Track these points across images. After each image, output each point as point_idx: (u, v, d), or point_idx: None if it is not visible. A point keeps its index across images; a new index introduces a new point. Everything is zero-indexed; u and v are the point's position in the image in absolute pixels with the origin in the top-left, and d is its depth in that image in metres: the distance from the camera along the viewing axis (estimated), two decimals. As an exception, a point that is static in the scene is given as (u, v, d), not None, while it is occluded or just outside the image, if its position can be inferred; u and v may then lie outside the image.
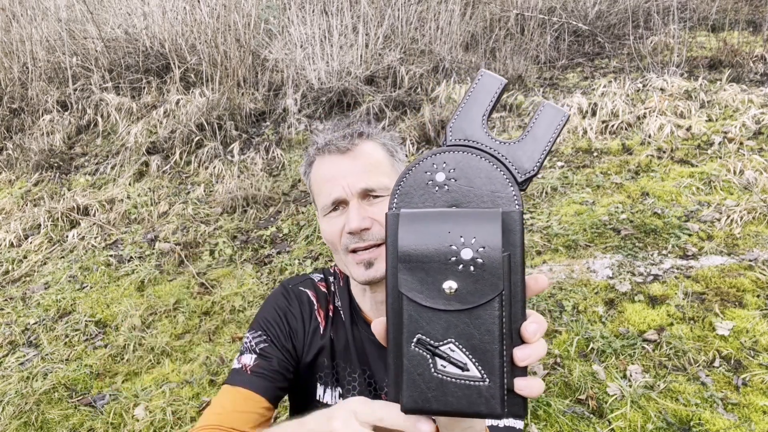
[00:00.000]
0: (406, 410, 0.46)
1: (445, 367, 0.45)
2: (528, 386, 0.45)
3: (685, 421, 1.92)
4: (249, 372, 0.96)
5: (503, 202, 0.49)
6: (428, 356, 0.45)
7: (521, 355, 0.45)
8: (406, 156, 1.04)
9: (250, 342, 1.01)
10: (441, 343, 0.45)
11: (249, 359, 0.98)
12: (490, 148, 0.51)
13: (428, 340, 0.45)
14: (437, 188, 0.50)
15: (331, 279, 1.11)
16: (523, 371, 0.46)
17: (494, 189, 0.49)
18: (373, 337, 0.83)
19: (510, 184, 0.49)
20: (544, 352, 0.47)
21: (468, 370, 0.44)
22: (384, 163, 0.95)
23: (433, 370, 0.45)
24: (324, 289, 1.10)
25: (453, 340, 0.45)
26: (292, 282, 1.11)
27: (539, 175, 3.84)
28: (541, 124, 0.50)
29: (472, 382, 0.44)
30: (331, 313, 1.07)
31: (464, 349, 0.45)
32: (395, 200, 0.51)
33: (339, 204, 0.93)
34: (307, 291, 1.08)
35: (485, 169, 0.50)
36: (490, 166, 0.50)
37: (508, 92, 4.88)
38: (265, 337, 1.02)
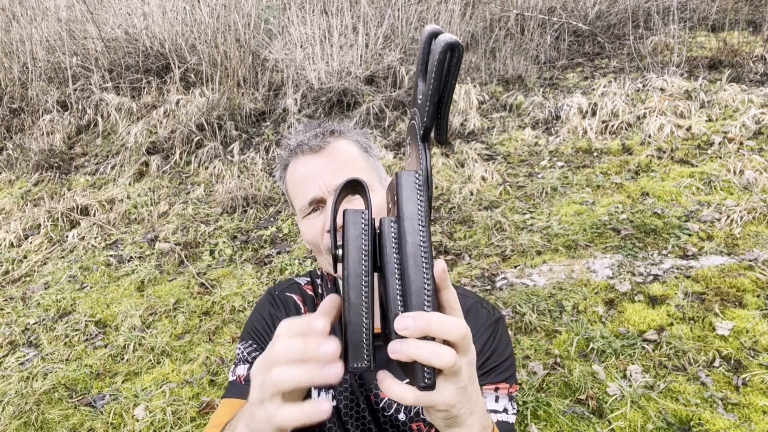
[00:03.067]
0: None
1: None
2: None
3: (685, 421, 1.92)
4: (244, 382, 0.94)
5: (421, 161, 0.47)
6: None
7: (389, 347, 0.45)
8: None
9: (242, 353, 1.00)
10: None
11: (243, 369, 0.96)
12: (414, 111, 0.49)
13: None
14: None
15: (318, 281, 1.10)
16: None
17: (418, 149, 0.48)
18: None
19: (419, 140, 0.47)
20: (418, 354, 0.44)
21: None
22: (359, 160, 0.94)
23: None
24: (311, 292, 1.08)
25: None
26: (278, 288, 1.10)
27: (540, 175, 3.84)
28: (432, 66, 0.44)
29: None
30: None
31: None
32: None
33: (317, 203, 0.92)
34: (293, 296, 1.07)
35: (412, 132, 0.50)
36: (413, 126, 0.49)
37: (507, 92, 4.88)
38: (255, 345, 1.00)
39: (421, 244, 0.46)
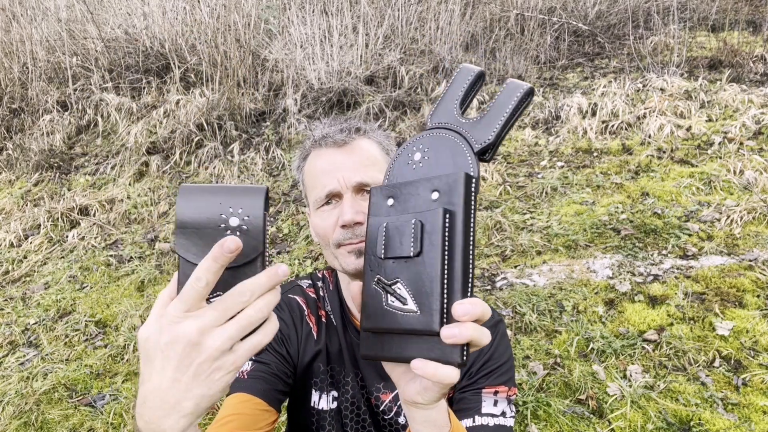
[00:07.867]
0: None
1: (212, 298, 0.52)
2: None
3: (685, 421, 1.92)
4: (245, 377, 0.95)
5: (460, 168, 0.57)
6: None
7: (445, 333, 0.50)
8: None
9: None
10: (213, 296, 0.51)
11: (245, 366, 0.96)
12: (457, 126, 0.59)
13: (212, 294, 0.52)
14: (414, 166, 0.60)
15: (320, 284, 1.09)
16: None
17: (456, 160, 0.57)
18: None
19: (468, 153, 0.57)
20: (474, 335, 0.50)
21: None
22: (379, 160, 0.94)
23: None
24: (313, 295, 1.08)
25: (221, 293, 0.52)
26: (281, 290, 1.09)
27: (540, 175, 3.84)
28: (502, 97, 0.57)
29: None
30: (323, 319, 1.05)
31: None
32: (386, 179, 0.62)
33: (333, 197, 0.92)
34: (297, 297, 1.07)
35: (450, 144, 0.59)
36: (455, 140, 0.58)
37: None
38: None
39: (472, 234, 0.54)
